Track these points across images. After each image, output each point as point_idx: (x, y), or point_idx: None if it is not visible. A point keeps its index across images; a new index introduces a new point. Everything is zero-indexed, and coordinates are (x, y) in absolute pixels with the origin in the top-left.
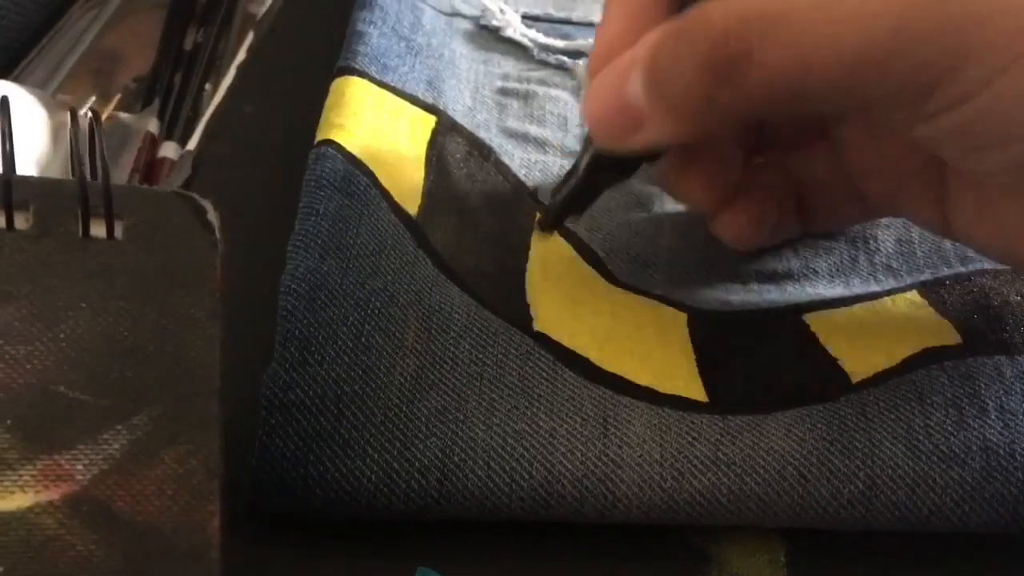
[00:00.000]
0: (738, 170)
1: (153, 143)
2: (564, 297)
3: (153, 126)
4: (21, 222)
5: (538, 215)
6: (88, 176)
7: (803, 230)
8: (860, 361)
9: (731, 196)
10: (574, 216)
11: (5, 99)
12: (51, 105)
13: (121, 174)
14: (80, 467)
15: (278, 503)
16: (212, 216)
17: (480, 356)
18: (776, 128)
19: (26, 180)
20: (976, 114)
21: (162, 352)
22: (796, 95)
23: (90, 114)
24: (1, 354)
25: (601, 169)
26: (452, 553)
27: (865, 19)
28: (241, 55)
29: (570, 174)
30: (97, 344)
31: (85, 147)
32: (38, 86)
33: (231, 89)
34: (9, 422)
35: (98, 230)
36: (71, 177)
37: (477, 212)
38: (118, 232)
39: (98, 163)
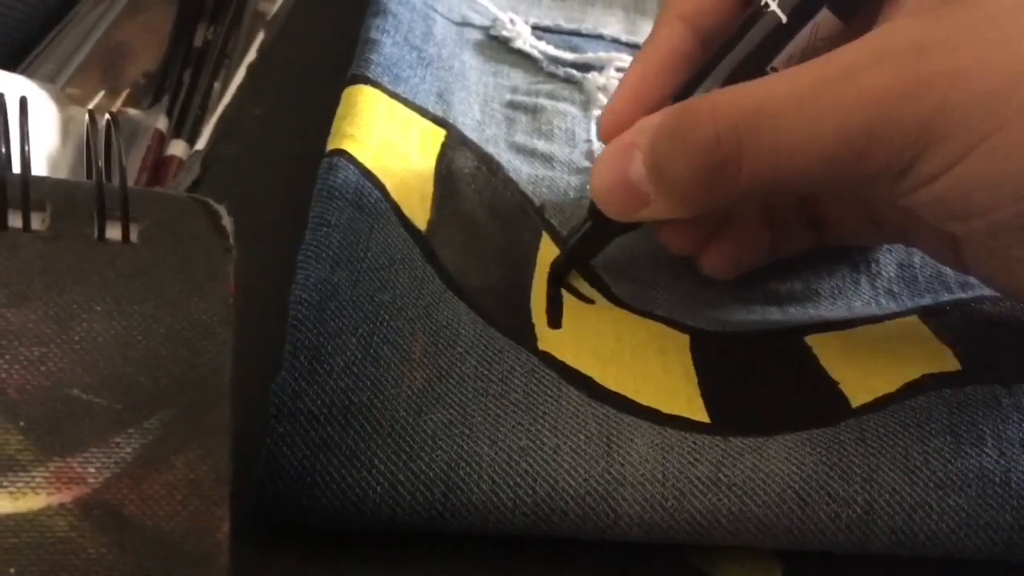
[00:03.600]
0: (723, 213)
1: (161, 141)
2: (568, 317)
3: (162, 123)
4: (37, 223)
5: (551, 261)
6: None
7: (816, 244)
8: (860, 385)
9: (713, 231)
10: (584, 263)
11: (24, 99)
12: (60, 99)
13: (129, 171)
14: (92, 470)
15: (284, 512)
16: (226, 221)
17: (486, 372)
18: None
19: (43, 181)
20: (942, 194)
21: (175, 357)
22: (784, 185)
23: (108, 116)
24: (15, 355)
25: (610, 226)
26: (454, 565)
27: (840, 117)
28: (251, 55)
29: (580, 225)
30: (110, 347)
31: (102, 148)
32: (47, 80)
33: (241, 89)
34: (23, 424)
35: (113, 233)
36: (81, 172)
37: (484, 228)
38: (133, 235)
39: (115, 165)
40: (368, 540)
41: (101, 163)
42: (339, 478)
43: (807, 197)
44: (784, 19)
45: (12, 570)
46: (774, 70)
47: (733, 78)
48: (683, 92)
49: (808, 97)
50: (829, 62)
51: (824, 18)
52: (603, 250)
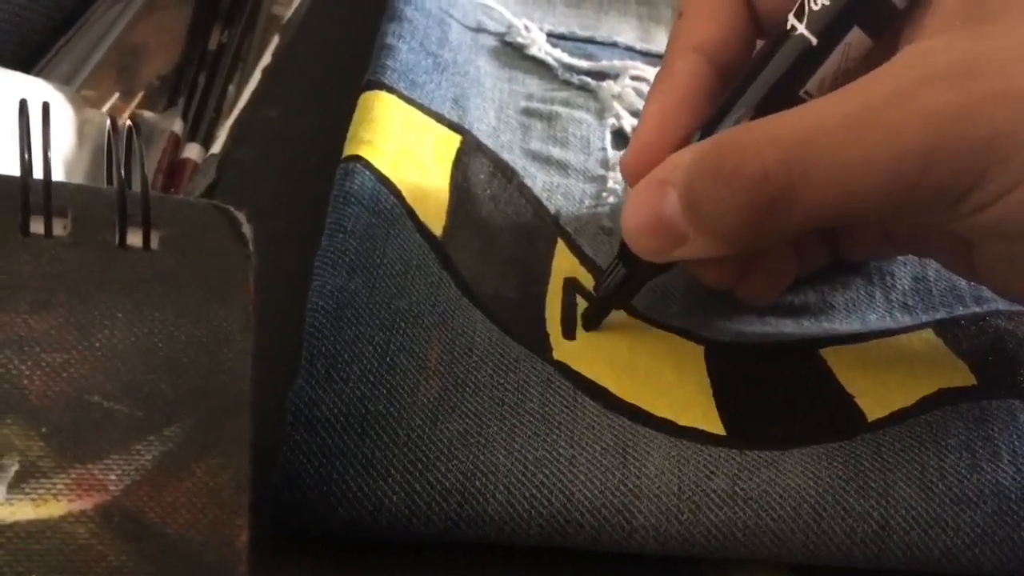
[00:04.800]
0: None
1: (176, 144)
2: (582, 327)
3: (177, 126)
4: (59, 229)
5: (581, 311)
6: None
7: (831, 260)
8: (875, 399)
9: (748, 262)
10: (619, 307)
11: (47, 105)
12: (76, 102)
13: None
14: (113, 477)
15: (300, 520)
16: (246, 229)
17: (501, 382)
18: None
19: (64, 187)
20: (1000, 218)
21: (195, 364)
22: (837, 218)
23: (128, 121)
24: (37, 361)
25: (643, 268)
26: (469, 575)
27: (895, 145)
28: (266, 58)
29: (611, 269)
30: (131, 354)
31: (122, 154)
32: (62, 81)
33: (256, 93)
34: (44, 430)
35: (134, 240)
36: (97, 175)
37: (499, 236)
38: (154, 242)
39: (135, 172)
40: (384, 549)
41: (123, 169)
42: (355, 487)
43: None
44: (815, 41)
45: None
46: (808, 95)
47: (764, 107)
48: (710, 125)
49: (859, 124)
50: (874, 86)
51: (855, 37)
52: (635, 295)
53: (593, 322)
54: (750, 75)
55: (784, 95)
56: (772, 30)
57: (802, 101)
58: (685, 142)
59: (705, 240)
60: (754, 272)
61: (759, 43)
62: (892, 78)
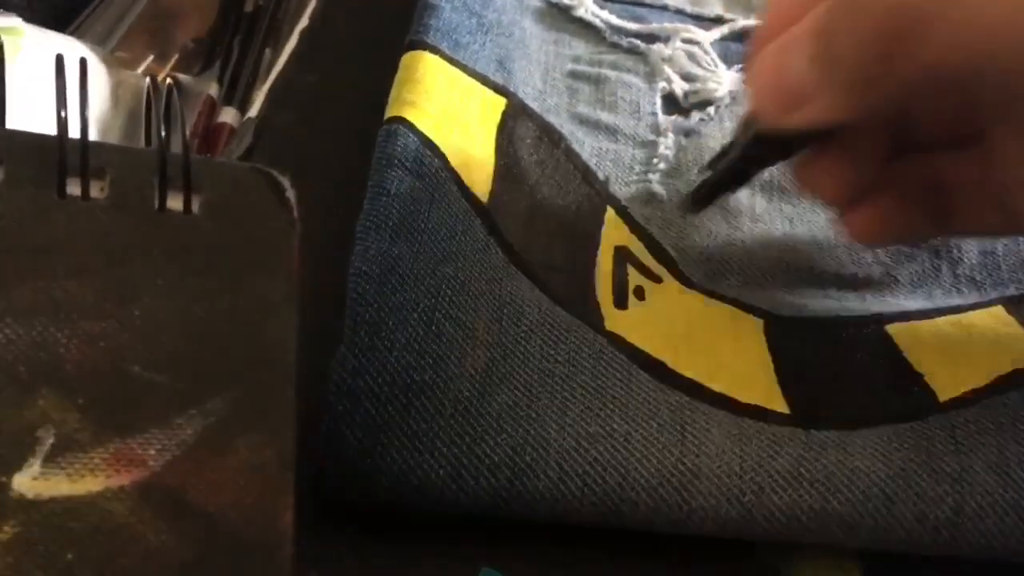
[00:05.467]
0: (874, 168)
1: (212, 107)
2: (634, 297)
3: (213, 90)
4: (96, 191)
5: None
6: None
7: (939, 233)
8: (947, 378)
9: (862, 194)
10: (727, 194)
11: (84, 61)
12: (111, 63)
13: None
14: (152, 452)
15: (343, 492)
16: (290, 194)
17: (552, 352)
18: (929, 127)
19: (102, 147)
20: None
21: (238, 335)
22: (968, 76)
23: (169, 81)
24: (74, 329)
25: (760, 147)
26: (517, 555)
27: None
28: (304, 20)
29: (725, 151)
30: (172, 324)
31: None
32: (95, 43)
33: (294, 56)
34: (81, 401)
35: (174, 204)
36: (132, 138)
37: (547, 202)
38: (195, 207)
39: (176, 133)
40: (427, 523)
41: (164, 130)
42: (400, 460)
43: (940, 183)
44: None
45: (70, 555)
46: None
47: None
48: None
49: None
50: None
51: None
52: (751, 179)
53: (701, 203)
54: None
55: None
56: None
57: None
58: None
59: (827, 94)
60: (862, 206)
61: None
62: None
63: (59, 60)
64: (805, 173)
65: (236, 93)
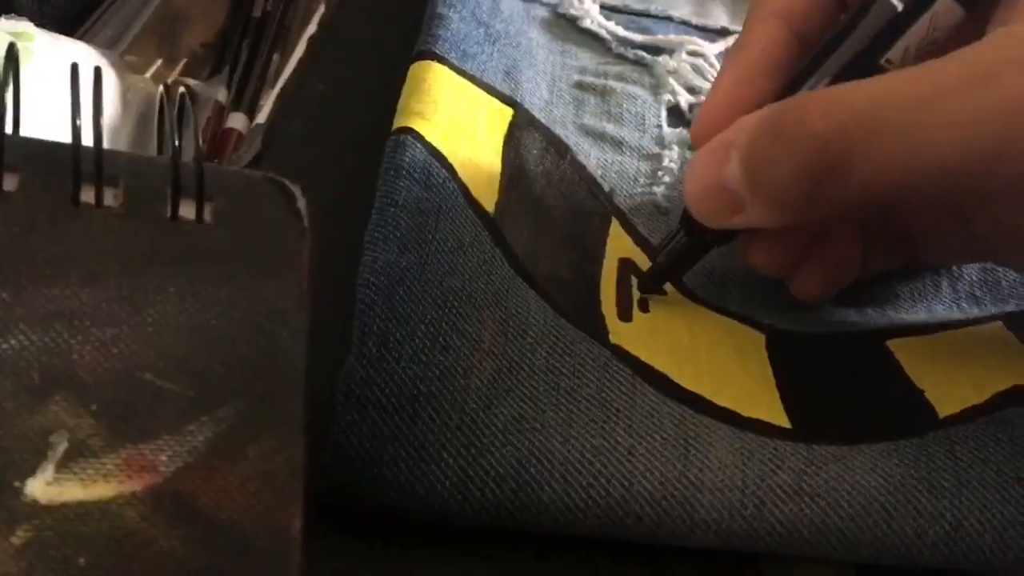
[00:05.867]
0: (809, 238)
1: (221, 113)
2: (639, 310)
3: (221, 95)
4: (110, 199)
5: (636, 281)
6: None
7: (907, 262)
8: (946, 394)
9: (803, 257)
10: (678, 276)
11: (98, 70)
12: (120, 67)
13: (187, 143)
14: (164, 458)
15: (349, 502)
16: (301, 203)
17: (557, 365)
18: (881, 218)
19: (116, 155)
20: None
21: (249, 343)
22: (895, 196)
23: (182, 89)
24: (87, 336)
25: (702, 235)
26: (519, 564)
27: (967, 129)
28: (312, 28)
29: (672, 235)
30: (184, 331)
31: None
32: (105, 47)
33: (302, 63)
34: (94, 407)
35: (186, 212)
36: (141, 143)
37: (553, 213)
38: (207, 215)
39: (187, 141)
40: (437, 533)
41: (177, 139)
42: (407, 470)
43: (899, 214)
44: (900, 7)
45: (82, 560)
46: (889, 63)
47: (844, 76)
48: (785, 94)
49: (934, 102)
50: (954, 65)
51: (943, 6)
52: (694, 266)
53: (651, 287)
54: (832, 42)
55: (865, 64)
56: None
57: (883, 70)
58: (757, 108)
59: (761, 206)
60: (807, 265)
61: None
62: (974, 60)
63: (74, 69)
64: (746, 251)
65: (244, 99)
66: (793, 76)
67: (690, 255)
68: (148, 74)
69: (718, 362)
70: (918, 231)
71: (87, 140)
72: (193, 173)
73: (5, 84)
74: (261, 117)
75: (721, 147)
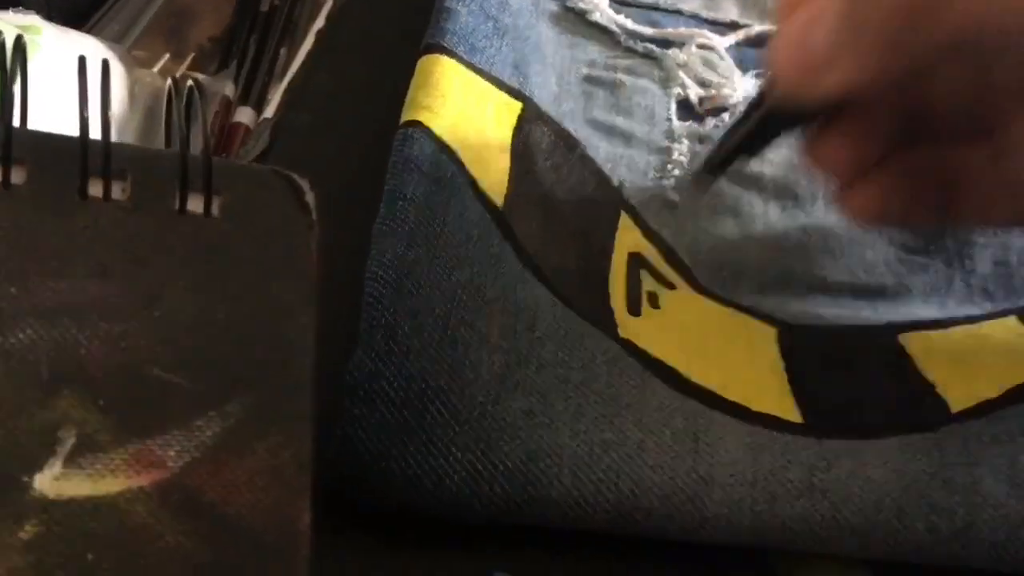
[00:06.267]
0: (881, 145)
1: (228, 107)
2: (648, 304)
3: (229, 90)
4: (118, 192)
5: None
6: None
7: (942, 222)
8: (959, 389)
9: (865, 172)
10: (742, 160)
11: (106, 63)
12: (127, 61)
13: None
14: (172, 453)
15: (356, 496)
16: (309, 197)
17: (566, 359)
18: (943, 114)
19: (123, 148)
20: None
21: (257, 337)
22: (991, 49)
23: (191, 82)
24: (95, 330)
25: (775, 118)
26: (529, 560)
27: None
28: (320, 21)
29: (739, 122)
30: (192, 325)
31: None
32: (112, 41)
33: (309, 57)
34: (102, 402)
35: (194, 206)
36: (148, 137)
37: (562, 207)
38: (215, 209)
39: (195, 135)
40: (438, 527)
41: (185, 132)
42: (415, 464)
43: (950, 171)
44: None
45: (89, 555)
46: None
47: None
48: None
49: None
50: None
51: None
52: (765, 148)
53: (714, 172)
54: None
55: None
56: None
57: None
58: None
59: (854, 58)
60: (867, 180)
61: None
62: None
63: (82, 61)
64: (811, 146)
65: (252, 93)
66: None
67: (759, 138)
68: (155, 68)
69: (728, 356)
70: (967, 191)
71: (95, 133)
72: (201, 167)
73: (13, 76)
74: (269, 111)
75: (814, 6)
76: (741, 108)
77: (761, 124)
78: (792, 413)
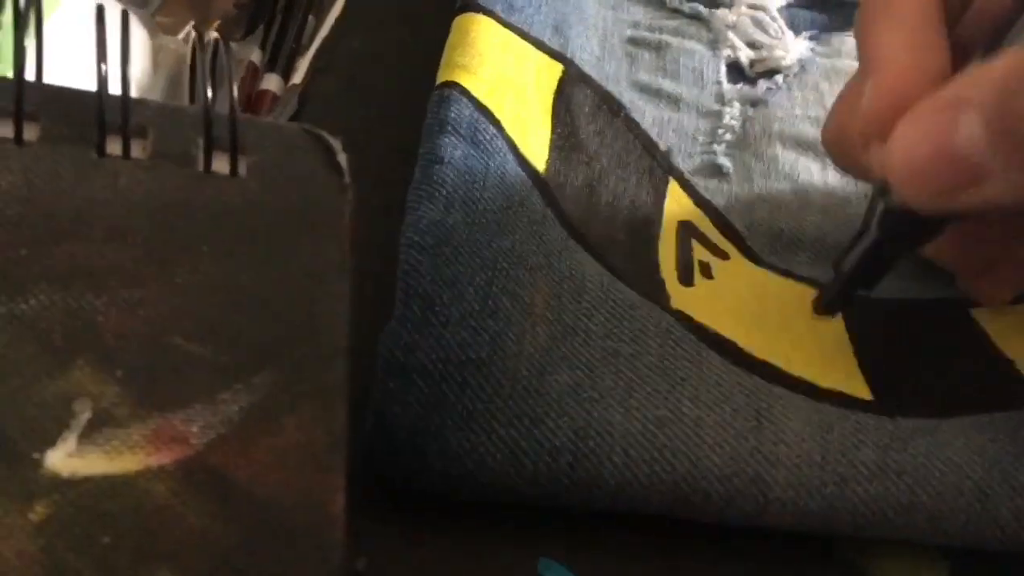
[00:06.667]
0: (1011, 238)
1: (255, 74)
2: (701, 274)
3: (255, 56)
4: (137, 150)
5: (813, 296)
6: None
7: None
8: None
9: (995, 264)
10: (862, 291)
11: (126, 12)
12: (151, 26)
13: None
14: (195, 429)
15: (394, 475)
16: (342, 157)
17: (616, 331)
18: None
19: (144, 104)
20: None
21: (286, 306)
22: None
23: (215, 37)
24: (113, 296)
25: (899, 230)
26: (578, 545)
27: None
28: None
29: (856, 240)
30: (216, 292)
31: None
32: (136, 6)
33: (339, 21)
34: (119, 373)
35: (219, 165)
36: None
37: (606, 174)
38: (242, 169)
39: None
40: (483, 509)
41: (209, 88)
42: (454, 442)
43: None
44: None
45: (106, 539)
46: None
47: None
48: (994, 39)
49: None
50: None
51: None
52: (887, 273)
53: (833, 307)
54: None
55: None
56: None
57: None
58: (943, 73)
59: (1016, 173)
60: (997, 275)
61: None
62: None
63: (99, 10)
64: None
65: (279, 60)
66: (999, 16)
67: (880, 261)
68: (180, 36)
69: (790, 329)
70: None
71: (114, 88)
72: (227, 124)
73: (26, 27)
74: (297, 78)
75: (948, 105)
76: (795, 71)
77: (882, 242)
78: (862, 389)
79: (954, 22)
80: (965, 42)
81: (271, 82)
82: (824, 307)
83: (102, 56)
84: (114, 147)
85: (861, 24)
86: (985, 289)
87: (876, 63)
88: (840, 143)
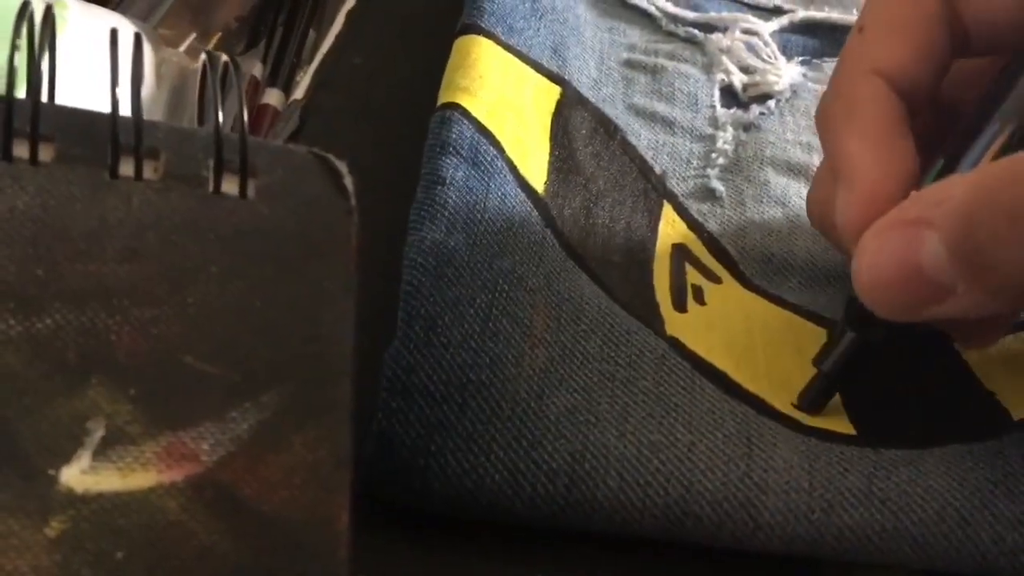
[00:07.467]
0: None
1: (256, 88)
2: (694, 299)
3: (257, 70)
4: (149, 172)
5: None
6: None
7: None
8: (1019, 396)
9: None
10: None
11: (139, 36)
12: (154, 40)
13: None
14: (206, 447)
15: (394, 494)
16: (348, 181)
17: (612, 354)
18: None
19: (155, 126)
20: None
21: (294, 326)
22: None
23: (226, 59)
24: (125, 316)
25: (877, 331)
26: (570, 566)
27: None
28: (351, 2)
29: (832, 341)
30: (227, 313)
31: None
32: (138, 19)
33: (340, 37)
34: (132, 392)
35: (229, 187)
36: (175, 118)
37: (603, 196)
38: (251, 191)
39: (231, 114)
40: (479, 529)
41: (220, 111)
42: (455, 462)
43: None
44: None
45: (119, 554)
46: None
47: None
48: (952, 156)
49: None
50: None
51: None
52: (868, 368)
53: (815, 405)
54: (1001, 86)
55: None
56: (994, 41)
57: None
58: (909, 182)
59: (980, 292)
60: (984, 335)
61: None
62: None
63: (113, 34)
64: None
65: (280, 74)
66: (961, 131)
67: (861, 358)
68: (182, 48)
69: (777, 362)
70: None
71: (125, 110)
72: (237, 147)
73: (42, 50)
74: (298, 93)
75: (910, 224)
76: (787, 96)
77: (855, 349)
78: (844, 426)
79: (939, 80)
80: (949, 102)
81: (272, 96)
82: (806, 407)
83: (115, 79)
84: (127, 168)
85: (824, 123)
86: (976, 346)
87: (846, 173)
88: (821, 226)
